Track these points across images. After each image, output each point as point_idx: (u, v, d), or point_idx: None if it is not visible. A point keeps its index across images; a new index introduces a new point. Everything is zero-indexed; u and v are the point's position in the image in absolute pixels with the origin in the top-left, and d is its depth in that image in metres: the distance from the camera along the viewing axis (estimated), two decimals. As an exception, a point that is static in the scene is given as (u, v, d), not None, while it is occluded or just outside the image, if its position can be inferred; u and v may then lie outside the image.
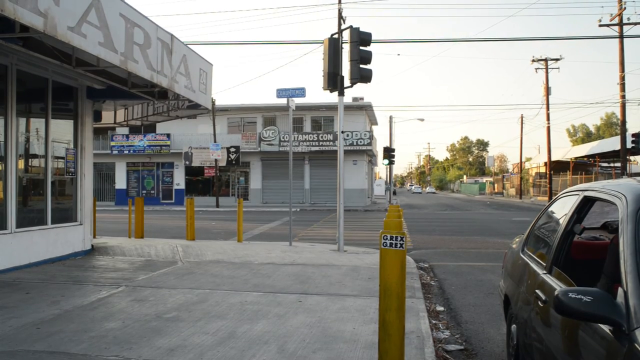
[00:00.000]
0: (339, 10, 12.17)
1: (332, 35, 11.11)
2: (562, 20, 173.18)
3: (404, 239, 3.81)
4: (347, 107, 31.10)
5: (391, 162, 35.94)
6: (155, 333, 4.91)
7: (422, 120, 52.03)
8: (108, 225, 17.59)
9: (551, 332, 2.85)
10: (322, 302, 6.30)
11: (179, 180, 37.51)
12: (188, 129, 36.45)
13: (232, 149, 34.70)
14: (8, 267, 7.97)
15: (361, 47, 10.56)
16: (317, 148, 34.47)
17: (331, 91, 10.98)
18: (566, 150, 49.49)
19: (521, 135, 52.01)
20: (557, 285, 2.85)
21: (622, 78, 27.84)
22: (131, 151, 36.86)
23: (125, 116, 13.10)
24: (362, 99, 37.23)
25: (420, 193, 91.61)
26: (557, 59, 39.43)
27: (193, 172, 36.78)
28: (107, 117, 12.90)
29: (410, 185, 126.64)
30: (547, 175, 40.22)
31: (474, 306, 6.92)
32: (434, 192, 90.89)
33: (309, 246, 12.15)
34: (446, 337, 5.47)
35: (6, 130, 8.15)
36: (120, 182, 38.06)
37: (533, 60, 39.98)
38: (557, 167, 44.67)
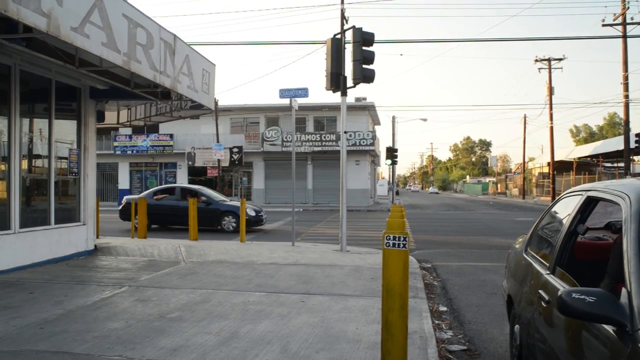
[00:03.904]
0: (342, 10, 12.18)
1: (335, 35, 11.10)
2: (565, 20, 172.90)
3: (406, 239, 3.81)
4: (350, 107, 31.10)
5: (394, 162, 35.95)
6: (159, 333, 4.92)
7: (424, 120, 52.04)
8: (111, 226, 17.61)
9: (554, 333, 2.85)
10: (325, 302, 6.30)
11: (182, 180, 37.53)
12: (191, 129, 36.50)
13: (235, 149, 34.71)
14: (11, 267, 7.99)
15: (364, 47, 10.55)
16: (319, 148, 34.47)
17: (334, 91, 10.97)
18: (569, 150, 49.41)
19: (524, 135, 51.94)
20: (561, 286, 2.85)
21: (626, 78, 27.76)
22: (134, 151, 36.94)
23: (128, 116, 13.12)
24: (364, 99, 37.21)
25: (417, 192, 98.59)
26: (560, 59, 39.34)
27: (196, 172, 36.80)
28: (110, 118, 12.92)
29: (409, 186, 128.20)
30: (550, 175, 40.14)
31: (477, 306, 6.91)
32: (436, 192, 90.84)
33: (312, 246, 12.15)
34: (449, 337, 5.46)
35: (10, 131, 8.17)
36: (124, 182, 38.12)
37: (536, 60, 39.90)
38: (560, 167, 44.60)
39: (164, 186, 18.89)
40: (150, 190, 18.49)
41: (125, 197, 18.27)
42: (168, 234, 15.41)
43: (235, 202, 18.55)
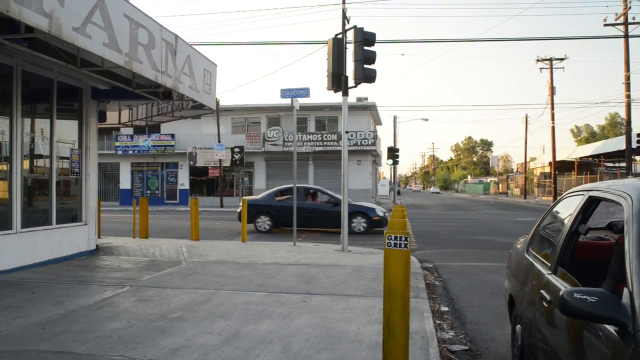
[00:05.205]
0: (343, 10, 12.16)
1: (336, 35, 11.09)
2: (567, 20, 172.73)
3: (408, 239, 3.81)
4: (351, 107, 31.05)
5: (395, 162, 35.89)
6: (160, 333, 4.92)
7: (426, 120, 51.87)
8: (113, 226, 17.63)
9: (556, 333, 2.84)
10: (327, 302, 6.30)
11: (183, 180, 37.58)
12: (192, 129, 36.50)
13: (237, 149, 34.73)
14: (13, 267, 8.00)
15: (365, 47, 10.54)
16: (321, 148, 34.46)
17: (335, 91, 10.96)
18: (571, 150, 49.32)
19: (526, 135, 51.91)
20: (562, 286, 2.84)
21: (627, 78, 27.72)
22: (136, 151, 36.97)
23: (130, 116, 13.13)
24: (366, 99, 37.21)
25: (419, 191, 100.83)
26: (561, 59, 39.27)
27: (197, 172, 36.83)
28: (112, 118, 12.93)
29: (410, 186, 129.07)
30: (552, 175, 40.09)
31: (479, 306, 6.91)
32: (438, 192, 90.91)
33: (313, 246, 12.15)
34: (450, 337, 5.46)
35: (11, 131, 8.19)
36: (125, 183, 38.15)
37: (538, 60, 39.85)
38: (561, 167, 44.54)
39: (286, 186, 18.41)
40: (272, 190, 17.82)
41: (243, 199, 17.93)
42: (169, 235, 15.41)
43: (363, 202, 18.07)
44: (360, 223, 16.25)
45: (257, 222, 16.80)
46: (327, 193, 17.24)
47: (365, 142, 34.37)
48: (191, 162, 35.68)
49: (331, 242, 13.09)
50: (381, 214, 16.43)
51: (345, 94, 10.95)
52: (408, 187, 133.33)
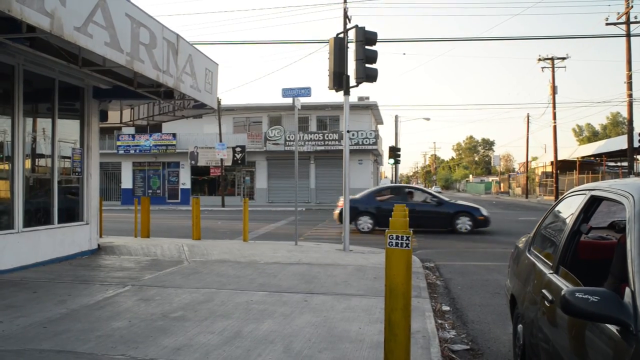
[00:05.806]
0: (345, 9, 12.16)
1: (338, 34, 11.09)
2: (569, 19, 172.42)
3: (409, 238, 3.80)
4: (353, 107, 31.04)
5: (397, 162, 35.88)
6: (162, 332, 4.92)
7: (427, 119, 51.72)
8: (114, 225, 17.65)
9: (558, 332, 2.84)
10: (328, 302, 6.30)
11: (185, 179, 37.61)
12: (194, 128, 36.54)
13: (238, 149, 34.72)
14: (15, 267, 8.01)
15: (367, 47, 10.53)
16: (322, 147, 34.46)
17: (337, 91, 10.96)
18: (573, 150, 49.24)
19: (527, 134, 51.85)
20: (564, 285, 2.84)
21: (629, 77, 27.64)
22: (137, 151, 37.00)
23: (132, 116, 13.14)
24: (367, 98, 37.20)
25: None
26: (563, 58, 39.18)
27: (199, 172, 36.85)
28: (113, 117, 12.94)
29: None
30: (554, 175, 40.04)
31: (480, 306, 6.90)
32: (439, 192, 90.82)
33: (315, 246, 12.15)
34: (452, 336, 5.45)
35: (13, 131, 8.20)
36: (127, 182, 38.19)
37: (539, 59, 39.78)
38: (563, 167, 44.48)
39: (385, 186, 17.84)
40: (371, 190, 17.30)
41: (351, 198, 17.53)
42: (171, 234, 15.40)
43: (465, 202, 17.77)
44: (465, 223, 15.93)
45: (359, 223, 16.35)
46: (428, 192, 17.12)
47: (366, 141, 34.37)
48: (193, 162, 35.68)
49: (334, 242, 13.09)
50: (485, 214, 16.17)
51: (347, 93, 10.95)
52: None
